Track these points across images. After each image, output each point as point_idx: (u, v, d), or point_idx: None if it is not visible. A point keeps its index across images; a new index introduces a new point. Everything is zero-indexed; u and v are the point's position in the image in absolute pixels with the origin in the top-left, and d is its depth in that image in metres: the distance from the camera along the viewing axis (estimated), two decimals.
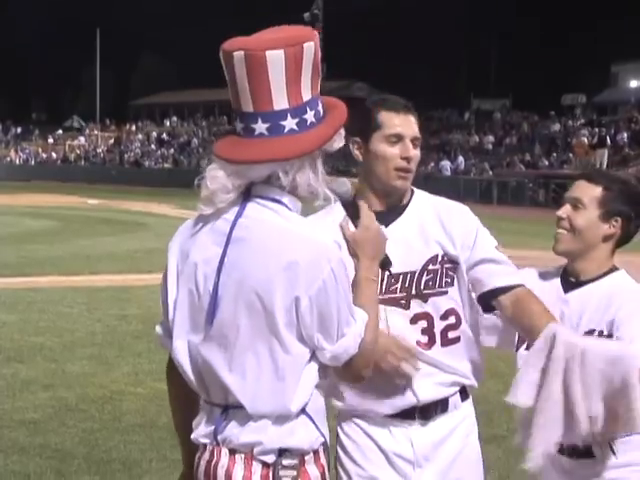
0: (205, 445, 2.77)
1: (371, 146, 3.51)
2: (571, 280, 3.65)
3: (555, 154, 48.05)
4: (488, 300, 3.45)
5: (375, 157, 3.51)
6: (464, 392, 3.58)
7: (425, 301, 3.43)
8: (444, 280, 3.43)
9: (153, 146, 77.00)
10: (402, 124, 3.53)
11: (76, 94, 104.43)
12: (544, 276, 3.76)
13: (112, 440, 7.20)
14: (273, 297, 2.65)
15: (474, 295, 3.50)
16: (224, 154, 2.73)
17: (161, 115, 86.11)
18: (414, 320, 3.43)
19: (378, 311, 2.90)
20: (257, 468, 2.68)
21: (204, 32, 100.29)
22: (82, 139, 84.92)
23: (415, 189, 3.64)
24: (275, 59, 2.66)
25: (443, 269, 3.44)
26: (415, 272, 3.42)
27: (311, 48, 2.72)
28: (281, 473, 2.67)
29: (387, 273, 3.37)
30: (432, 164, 52.45)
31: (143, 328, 11.77)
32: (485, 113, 60.23)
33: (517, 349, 3.70)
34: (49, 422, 7.65)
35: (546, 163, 47.36)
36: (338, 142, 2.80)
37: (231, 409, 2.72)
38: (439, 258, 3.44)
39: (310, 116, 2.76)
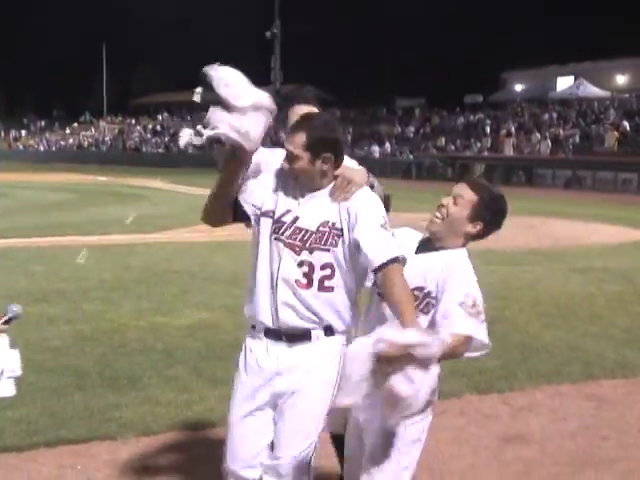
0: None
1: None
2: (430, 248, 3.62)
3: (459, 141, 48.29)
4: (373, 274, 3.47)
5: None
6: (329, 330, 3.54)
7: (311, 252, 3.49)
8: (329, 241, 3.48)
9: (149, 135, 76.33)
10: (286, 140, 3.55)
11: (88, 95, 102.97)
12: (415, 235, 3.74)
13: (119, 362, 7.16)
14: None
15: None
16: None
17: (155, 111, 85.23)
18: (300, 264, 3.49)
19: None
20: None
21: (188, 45, 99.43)
22: (93, 130, 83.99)
23: None
24: None
25: (330, 233, 3.49)
26: (310, 230, 3.50)
27: None
28: None
29: (295, 225, 3.51)
30: (365, 148, 52.52)
31: (143, 275, 11.74)
32: (406, 109, 60.23)
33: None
34: (70, 348, 7.58)
35: (452, 148, 47.60)
36: None
37: None
38: (329, 224, 3.49)
39: None
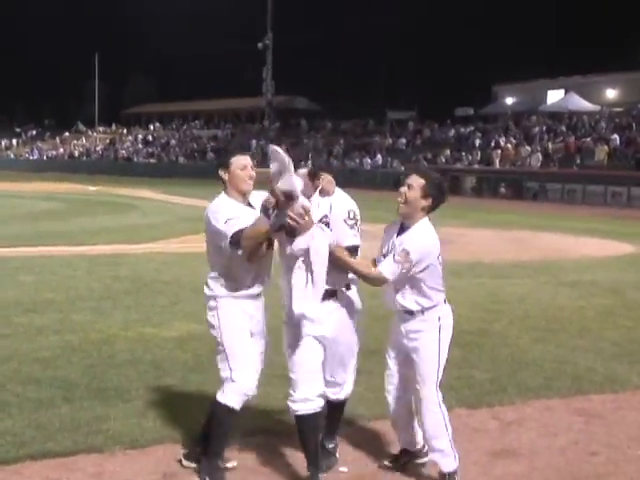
0: None
1: None
2: (402, 227, 4.90)
3: (450, 153, 48.34)
4: None
5: None
6: (347, 286, 4.95)
7: None
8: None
9: (140, 145, 76.22)
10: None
11: (79, 105, 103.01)
12: (391, 226, 5.00)
13: (108, 373, 7.11)
14: None
15: None
16: None
17: (146, 121, 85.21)
18: None
19: None
20: None
21: (180, 57, 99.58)
22: (84, 140, 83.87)
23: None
24: None
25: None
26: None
27: None
28: None
29: None
30: (357, 160, 52.56)
31: (132, 286, 11.68)
32: (397, 122, 60.28)
33: None
34: (58, 359, 7.53)
35: (443, 160, 47.65)
36: None
37: None
38: (327, 218, 4.81)
39: None
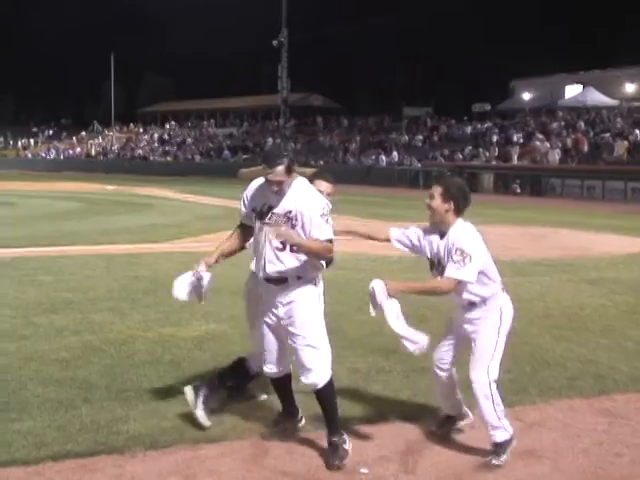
0: None
1: None
2: (442, 233, 5.39)
3: (467, 149, 48.15)
4: None
5: None
6: (300, 278, 5.30)
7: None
8: (292, 223, 5.19)
9: (156, 144, 76.51)
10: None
11: (96, 105, 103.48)
12: (432, 229, 5.47)
13: (127, 373, 7.12)
14: None
15: None
16: None
17: (162, 120, 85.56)
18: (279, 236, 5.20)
19: None
20: None
21: (195, 55, 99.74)
22: (101, 139, 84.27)
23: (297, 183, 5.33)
24: None
25: (294, 219, 5.22)
26: (281, 213, 5.24)
27: None
28: None
29: (272, 213, 5.27)
30: (373, 157, 52.47)
31: (151, 286, 11.68)
32: (414, 118, 60.16)
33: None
34: (78, 360, 7.54)
35: (460, 157, 47.50)
36: None
37: None
38: (292, 213, 5.20)
39: None
